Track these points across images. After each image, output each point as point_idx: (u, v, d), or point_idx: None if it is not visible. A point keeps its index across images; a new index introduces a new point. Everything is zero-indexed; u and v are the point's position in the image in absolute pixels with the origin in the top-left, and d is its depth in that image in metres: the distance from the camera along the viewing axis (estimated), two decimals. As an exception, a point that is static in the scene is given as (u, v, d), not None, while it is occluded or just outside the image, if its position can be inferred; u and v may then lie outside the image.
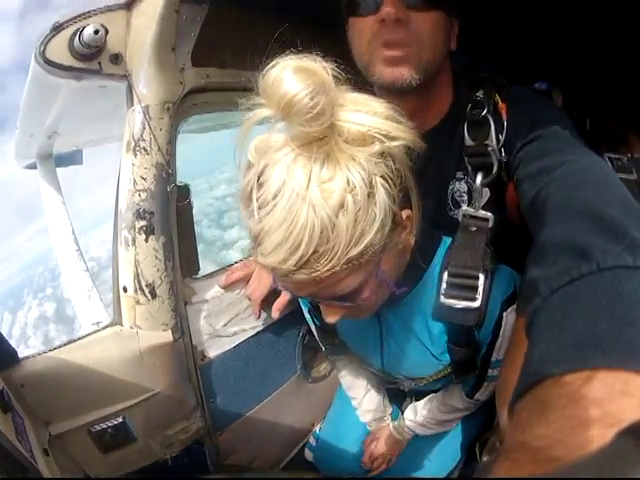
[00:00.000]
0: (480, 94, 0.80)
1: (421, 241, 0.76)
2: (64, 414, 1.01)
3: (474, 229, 0.76)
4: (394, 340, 0.92)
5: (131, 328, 1.03)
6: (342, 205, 0.53)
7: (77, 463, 1.09)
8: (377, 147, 0.57)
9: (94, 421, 1.04)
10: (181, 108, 1.00)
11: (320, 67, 0.52)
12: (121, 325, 1.05)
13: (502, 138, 0.77)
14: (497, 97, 0.79)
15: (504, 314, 0.79)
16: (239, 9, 1.10)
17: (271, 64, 0.52)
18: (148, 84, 0.99)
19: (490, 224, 0.77)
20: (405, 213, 0.66)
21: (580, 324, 0.40)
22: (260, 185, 0.56)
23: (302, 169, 0.53)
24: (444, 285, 0.74)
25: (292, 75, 0.50)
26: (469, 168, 0.82)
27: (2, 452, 0.62)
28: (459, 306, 0.73)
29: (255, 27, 1.11)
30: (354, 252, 0.56)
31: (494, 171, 0.77)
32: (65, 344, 1.05)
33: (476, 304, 0.72)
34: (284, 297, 1.13)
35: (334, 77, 0.54)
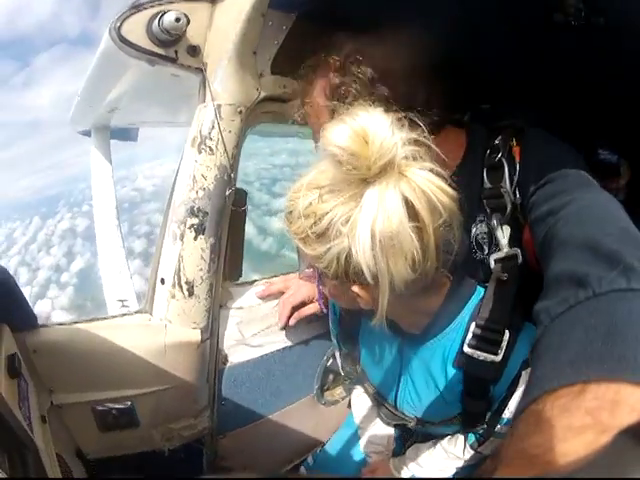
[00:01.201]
0: (498, 140, 0.83)
1: (455, 290, 0.77)
2: (70, 387, 1.01)
3: (505, 278, 0.78)
4: (411, 378, 0.92)
5: (160, 320, 1.03)
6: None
7: (72, 436, 1.09)
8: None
9: (100, 400, 1.04)
10: (253, 114, 1.00)
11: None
12: (150, 314, 1.05)
13: (515, 180, 0.79)
14: (513, 141, 0.82)
15: (523, 373, 0.78)
16: (322, 24, 1.09)
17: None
18: (224, 83, 0.98)
19: (519, 260, 0.78)
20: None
21: (575, 345, 0.43)
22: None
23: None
24: (470, 335, 0.76)
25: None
26: (488, 210, 0.84)
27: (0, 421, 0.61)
28: (480, 358, 0.74)
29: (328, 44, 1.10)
30: None
31: (507, 212, 0.80)
32: (88, 320, 1.04)
33: (497, 358, 0.74)
34: (307, 310, 1.13)
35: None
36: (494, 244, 0.83)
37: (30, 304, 0.95)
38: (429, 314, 0.81)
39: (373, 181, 0.57)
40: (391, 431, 1.27)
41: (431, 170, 0.59)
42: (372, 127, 0.56)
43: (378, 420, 1.23)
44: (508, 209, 0.79)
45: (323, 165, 0.62)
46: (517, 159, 0.80)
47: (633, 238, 0.56)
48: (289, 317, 1.12)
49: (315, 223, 0.61)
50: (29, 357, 0.92)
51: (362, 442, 1.26)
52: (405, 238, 0.57)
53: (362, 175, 0.57)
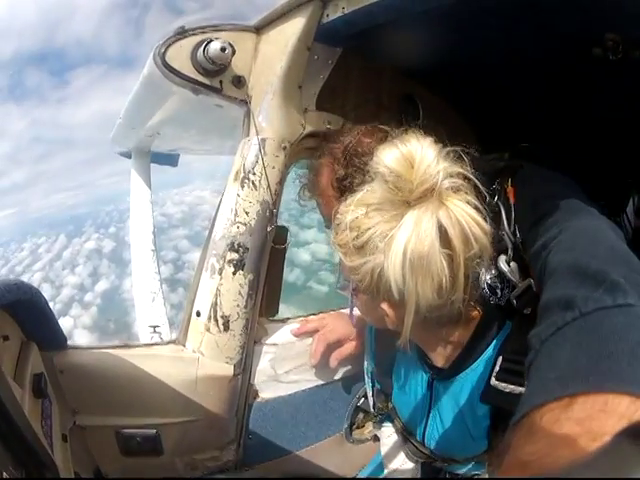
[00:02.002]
0: (496, 184, 0.84)
1: (485, 324, 0.79)
2: (95, 410, 1.00)
3: (529, 311, 0.77)
4: (439, 413, 0.91)
5: (193, 352, 1.02)
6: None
7: (92, 457, 1.08)
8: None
9: (125, 425, 1.04)
10: (297, 149, 0.99)
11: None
12: (183, 346, 1.04)
13: (512, 220, 0.81)
14: (508, 183, 0.83)
15: None
16: (368, 60, 1.08)
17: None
18: (269, 117, 0.97)
19: (535, 288, 0.77)
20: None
21: (562, 362, 0.45)
22: None
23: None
24: (497, 368, 0.76)
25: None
26: (494, 254, 0.83)
27: (21, 440, 0.61)
28: (507, 390, 0.74)
29: (381, 79, 1.09)
30: None
31: (509, 252, 0.80)
32: (119, 346, 1.04)
33: (523, 389, 0.72)
34: (346, 349, 1.11)
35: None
36: (506, 285, 0.83)
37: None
38: (457, 346, 0.81)
39: (414, 205, 0.61)
40: (418, 474, 1.24)
41: (469, 202, 0.63)
42: (419, 153, 0.61)
43: (406, 461, 1.21)
44: (509, 251, 0.80)
45: (373, 186, 0.66)
46: (512, 200, 0.81)
47: (620, 256, 0.58)
48: (323, 354, 1.10)
49: (357, 236, 0.65)
50: (56, 377, 0.93)
51: (388, 482, 1.23)
52: (435, 261, 0.60)
53: (405, 197, 0.61)
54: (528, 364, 0.52)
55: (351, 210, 0.67)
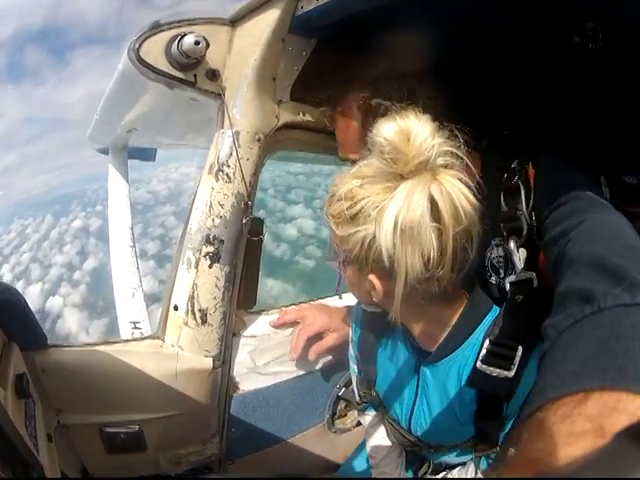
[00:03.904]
0: (515, 163, 0.84)
1: (472, 307, 0.80)
2: (78, 408, 1.00)
3: (520, 299, 0.78)
4: (427, 398, 0.91)
5: (172, 346, 1.02)
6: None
7: (78, 456, 1.08)
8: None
9: (108, 423, 1.03)
10: (271, 141, 0.98)
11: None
12: (162, 340, 1.04)
13: (531, 202, 0.81)
14: (529, 165, 0.83)
15: None
16: (342, 50, 1.08)
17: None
18: (243, 110, 0.97)
19: (535, 283, 0.78)
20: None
21: (579, 356, 0.45)
22: None
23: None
24: (483, 351, 0.76)
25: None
26: (504, 233, 0.85)
27: (4, 441, 0.60)
28: (493, 374, 0.74)
29: (356, 69, 1.08)
30: None
31: (524, 234, 0.80)
32: (99, 343, 1.04)
33: (510, 374, 0.73)
34: (326, 342, 1.12)
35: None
36: (510, 267, 0.84)
37: (40, 316, 0.94)
38: (444, 327, 0.81)
39: (407, 178, 0.63)
40: (403, 462, 1.25)
41: (460, 179, 0.64)
42: (416, 128, 0.63)
43: (390, 450, 1.21)
44: (524, 231, 0.80)
45: (370, 159, 0.68)
46: (532, 182, 0.81)
47: (639, 254, 0.58)
48: (303, 348, 1.11)
49: (351, 206, 0.67)
50: (38, 376, 0.92)
51: (373, 472, 1.23)
52: (425, 231, 0.62)
53: (400, 170, 0.63)
54: (542, 354, 0.52)
55: (346, 182, 0.69)
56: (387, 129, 0.65)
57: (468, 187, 0.65)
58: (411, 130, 0.63)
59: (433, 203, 0.62)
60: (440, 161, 0.64)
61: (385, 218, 0.62)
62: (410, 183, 0.62)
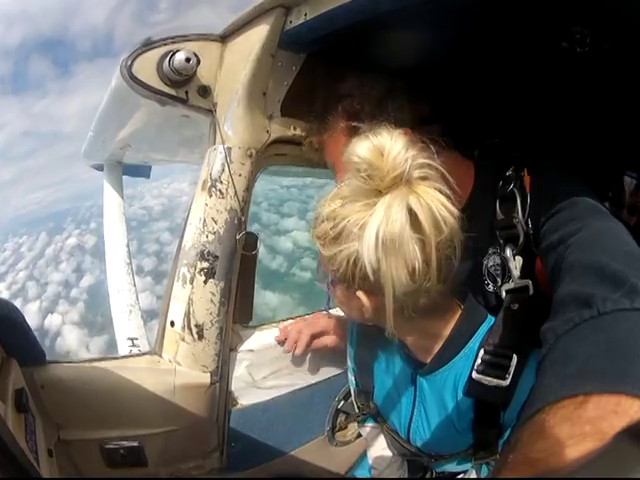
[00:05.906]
0: (510, 171, 0.85)
1: (466, 318, 0.80)
2: (78, 424, 0.99)
3: (516, 307, 0.78)
4: (424, 408, 0.91)
5: (170, 362, 1.02)
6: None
7: (79, 471, 1.07)
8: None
9: (108, 438, 1.03)
10: (263, 156, 0.99)
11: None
12: (160, 356, 1.04)
13: (527, 210, 0.81)
14: (524, 172, 0.84)
15: None
16: (332, 64, 1.09)
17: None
18: (234, 125, 0.98)
19: (531, 291, 0.79)
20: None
21: (579, 360, 0.46)
22: None
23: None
24: (478, 361, 0.76)
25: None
26: (501, 241, 0.85)
27: (6, 454, 0.61)
28: (489, 383, 0.75)
29: (346, 83, 1.09)
30: None
31: (520, 241, 0.81)
32: (97, 360, 1.04)
33: (504, 383, 0.74)
34: (326, 340, 1.12)
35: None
36: (507, 275, 0.84)
37: (39, 335, 0.95)
38: (439, 339, 0.82)
39: (385, 192, 0.64)
40: (405, 472, 1.24)
41: (438, 190, 0.65)
42: (389, 143, 0.65)
43: (392, 461, 1.21)
44: (521, 239, 0.81)
45: (349, 179, 0.69)
46: (528, 190, 0.82)
47: (638, 260, 0.59)
48: (307, 343, 1.10)
49: (334, 226, 0.68)
50: (37, 392, 0.92)
51: (375, 484, 1.23)
52: (407, 243, 0.62)
53: (377, 185, 0.64)
54: (541, 357, 0.52)
55: (328, 203, 0.71)
56: (360, 147, 0.66)
57: (447, 197, 0.65)
58: (384, 145, 0.65)
59: (412, 214, 0.63)
60: (416, 173, 0.65)
61: (366, 234, 0.63)
62: (388, 197, 0.63)
